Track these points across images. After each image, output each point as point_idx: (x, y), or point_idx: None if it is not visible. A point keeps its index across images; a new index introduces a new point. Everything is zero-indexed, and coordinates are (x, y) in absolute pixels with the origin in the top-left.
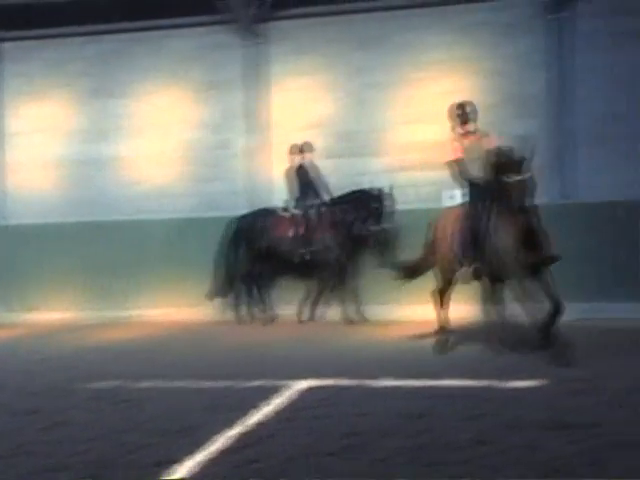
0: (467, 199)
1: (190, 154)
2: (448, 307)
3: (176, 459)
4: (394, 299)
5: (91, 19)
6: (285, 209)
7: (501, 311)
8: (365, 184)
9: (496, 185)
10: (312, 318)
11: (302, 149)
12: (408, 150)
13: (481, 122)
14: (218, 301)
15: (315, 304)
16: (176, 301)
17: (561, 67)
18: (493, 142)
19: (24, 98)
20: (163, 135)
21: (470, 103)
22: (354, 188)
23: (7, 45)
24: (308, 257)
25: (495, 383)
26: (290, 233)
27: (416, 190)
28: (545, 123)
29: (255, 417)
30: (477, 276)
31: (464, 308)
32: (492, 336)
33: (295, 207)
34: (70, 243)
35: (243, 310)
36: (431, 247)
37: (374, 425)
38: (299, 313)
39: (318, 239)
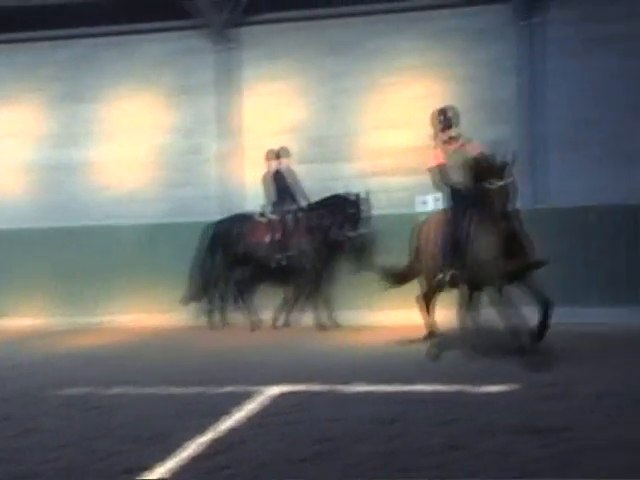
0: (446, 205)
1: (161, 159)
2: (434, 312)
3: (147, 466)
4: (366, 304)
5: (62, 23)
6: (262, 214)
7: (476, 317)
8: (338, 189)
9: (478, 191)
10: (287, 324)
11: (279, 154)
12: (380, 155)
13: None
14: (191, 306)
15: (290, 310)
16: (147, 307)
17: (533, 73)
18: (476, 148)
19: None
20: (134, 140)
21: (451, 108)
22: (327, 193)
23: None
24: (284, 262)
25: (468, 388)
26: (267, 238)
27: (388, 195)
28: (517, 128)
29: (227, 423)
30: (454, 283)
31: (438, 313)
32: (465, 342)
33: (272, 212)
34: (40, 249)
35: (216, 316)
36: (416, 254)
37: (346, 430)
38: (274, 319)
39: (294, 244)
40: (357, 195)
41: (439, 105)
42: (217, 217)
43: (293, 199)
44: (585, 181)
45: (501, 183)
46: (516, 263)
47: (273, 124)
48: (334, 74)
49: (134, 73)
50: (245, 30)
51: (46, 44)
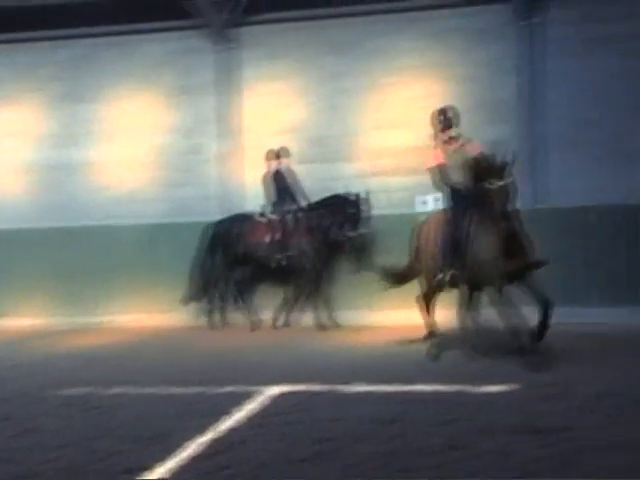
0: (446, 205)
1: (161, 159)
2: (434, 312)
3: (147, 466)
4: (366, 304)
5: (62, 23)
6: (262, 214)
7: (476, 317)
8: (338, 189)
9: (479, 191)
10: (287, 324)
11: (279, 154)
12: (380, 155)
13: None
14: (191, 306)
15: (290, 310)
16: (147, 307)
17: (532, 73)
18: (476, 148)
19: None
20: (134, 140)
21: (451, 108)
22: (327, 193)
23: None
24: (284, 262)
25: (467, 388)
26: (267, 238)
27: (388, 195)
28: (517, 128)
29: (227, 423)
30: (454, 283)
31: (438, 313)
32: (465, 342)
33: (272, 212)
34: (40, 249)
35: (216, 316)
36: (416, 254)
37: (346, 431)
38: (274, 319)
39: (294, 244)
40: (357, 195)
41: (439, 105)
42: (217, 217)
43: (293, 199)
44: (585, 181)
45: (501, 183)
46: (516, 263)
47: (273, 124)
48: (334, 74)
49: (134, 73)
50: (245, 30)
51: (46, 44)
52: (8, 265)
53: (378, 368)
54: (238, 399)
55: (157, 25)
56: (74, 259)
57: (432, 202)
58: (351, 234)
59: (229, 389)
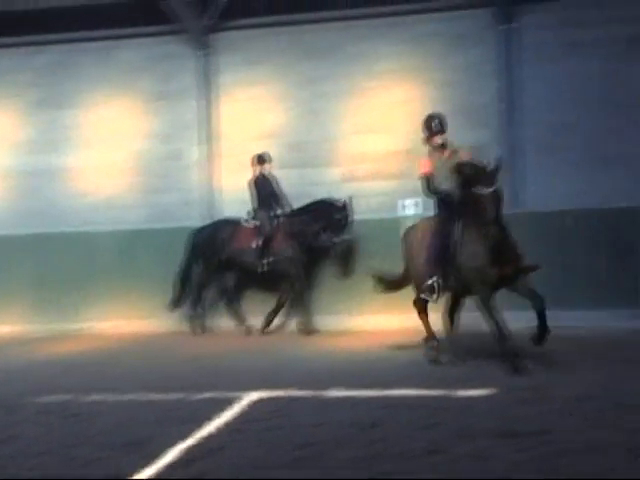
0: (434, 211)
1: (140, 165)
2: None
3: (126, 473)
4: (346, 309)
5: (40, 29)
6: (246, 220)
7: (458, 322)
8: (317, 194)
9: (468, 197)
10: (269, 329)
11: (264, 159)
12: (360, 160)
13: None
14: (171, 312)
15: (273, 315)
16: (127, 313)
17: (511, 77)
18: (466, 155)
19: None
20: (113, 146)
21: (438, 116)
22: (306, 198)
23: None
24: (266, 268)
25: (448, 392)
26: (252, 244)
27: (367, 200)
28: (496, 133)
29: (206, 429)
30: (443, 290)
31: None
32: (448, 346)
33: (255, 217)
34: (19, 255)
35: (197, 321)
36: (406, 260)
37: (327, 436)
38: (263, 324)
39: (280, 249)
40: (342, 201)
41: (418, 110)
42: (197, 223)
43: (279, 204)
44: (562, 185)
45: (492, 189)
46: (508, 268)
47: (252, 129)
48: (312, 79)
49: (112, 79)
50: (223, 35)
51: (23, 50)
52: None
53: (358, 373)
54: (218, 405)
55: (135, 30)
56: (52, 266)
57: (412, 207)
58: (335, 239)
59: (209, 395)
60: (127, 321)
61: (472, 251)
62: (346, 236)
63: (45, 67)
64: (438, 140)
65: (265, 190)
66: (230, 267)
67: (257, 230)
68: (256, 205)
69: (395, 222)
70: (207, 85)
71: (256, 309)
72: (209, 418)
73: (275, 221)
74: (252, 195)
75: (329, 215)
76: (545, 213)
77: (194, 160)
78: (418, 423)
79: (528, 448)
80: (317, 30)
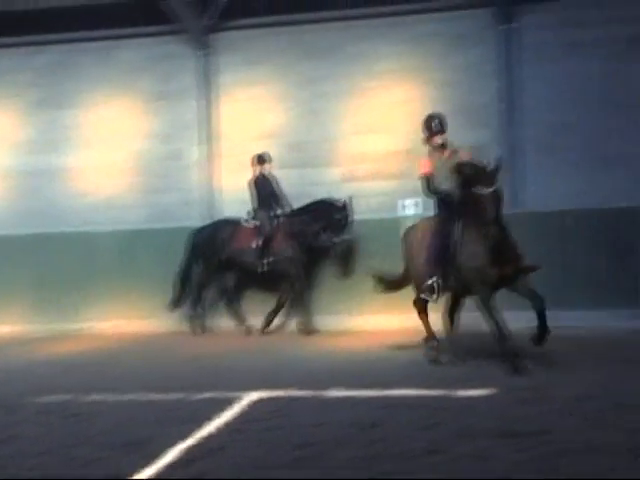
0: (435, 212)
1: (140, 165)
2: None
3: (126, 473)
4: (346, 309)
5: (40, 29)
6: (246, 220)
7: (458, 321)
8: (317, 194)
9: (468, 197)
10: (269, 328)
11: (264, 159)
12: (360, 160)
13: None
14: (172, 312)
15: (274, 315)
16: (127, 313)
17: (511, 77)
18: (466, 155)
19: None
20: (113, 146)
21: (438, 116)
22: (306, 199)
23: None
24: (266, 268)
25: (448, 392)
26: (253, 244)
27: (367, 200)
28: (496, 133)
29: (206, 429)
30: (443, 289)
31: (417, 317)
32: (449, 346)
33: (255, 217)
34: (19, 255)
35: (197, 321)
36: (406, 260)
37: (326, 436)
38: (264, 324)
39: (280, 249)
40: (342, 201)
41: (418, 110)
42: (197, 223)
43: (279, 204)
44: (562, 185)
45: (492, 189)
46: (509, 268)
47: (252, 129)
48: (312, 79)
49: (112, 79)
50: (223, 35)
51: (23, 50)
52: None
53: (358, 373)
54: (218, 405)
55: (135, 31)
56: (52, 266)
57: (412, 206)
58: (335, 239)
59: (209, 395)
60: (127, 321)
61: (472, 251)
62: (346, 236)
63: (45, 67)
64: (438, 140)
65: (265, 190)
66: (230, 267)
67: (257, 230)
68: (256, 205)
69: (395, 222)
70: (207, 85)
71: (256, 309)
72: (209, 418)
73: (275, 221)
74: (252, 195)
75: (329, 215)
76: (545, 213)
77: (194, 160)
78: (418, 423)
79: (528, 448)
80: (317, 30)
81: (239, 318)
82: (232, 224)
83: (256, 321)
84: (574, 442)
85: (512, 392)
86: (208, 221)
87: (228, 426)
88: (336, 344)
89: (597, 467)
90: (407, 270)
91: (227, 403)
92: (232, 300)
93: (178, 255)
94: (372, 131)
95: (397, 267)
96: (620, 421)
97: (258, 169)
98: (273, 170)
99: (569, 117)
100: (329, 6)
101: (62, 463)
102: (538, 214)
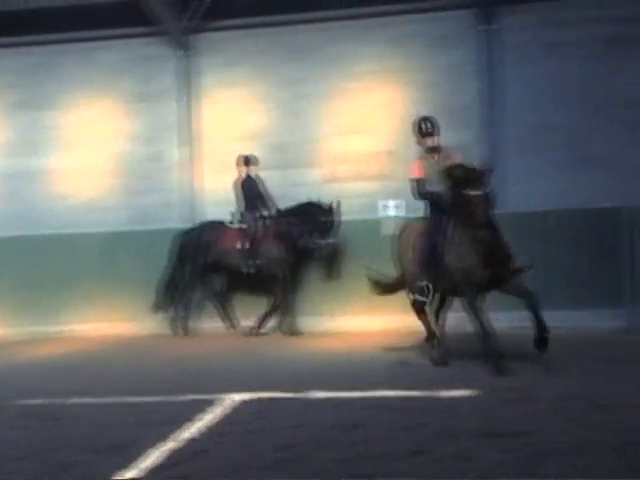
0: (425, 214)
1: (121, 167)
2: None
3: (107, 476)
4: (328, 310)
5: (20, 30)
6: (231, 221)
7: (444, 322)
8: (299, 195)
9: (460, 199)
10: (258, 330)
11: (248, 161)
12: (341, 161)
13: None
14: (154, 315)
15: (265, 317)
16: (108, 315)
17: (493, 78)
18: (458, 157)
19: None
20: (94, 148)
21: (428, 118)
22: (288, 200)
23: None
24: (252, 270)
25: (430, 393)
26: (238, 245)
27: (349, 201)
28: (477, 133)
29: (188, 432)
30: (434, 290)
31: (399, 318)
32: (431, 346)
33: (241, 219)
34: None
35: (180, 323)
36: (399, 262)
37: (308, 437)
38: (256, 325)
39: (264, 251)
40: (329, 203)
41: (400, 111)
42: (179, 225)
43: (265, 206)
44: (544, 186)
45: (482, 191)
46: (499, 270)
47: (233, 131)
48: (294, 80)
49: (93, 80)
50: (204, 36)
51: (2, 51)
52: None
53: (341, 374)
54: (199, 407)
55: (116, 32)
56: (33, 268)
57: (394, 208)
58: (321, 242)
59: (191, 397)
60: (109, 323)
61: (460, 252)
62: (331, 239)
63: (25, 68)
64: (428, 142)
65: (251, 191)
66: (216, 269)
67: (243, 232)
68: (242, 207)
69: (376, 223)
70: (188, 86)
71: (244, 311)
72: (191, 420)
73: (261, 223)
74: (237, 196)
75: (315, 217)
76: (527, 213)
77: (175, 161)
78: (401, 424)
79: (512, 448)
80: (298, 31)
81: (229, 320)
82: (217, 226)
83: (245, 323)
84: (559, 442)
85: (496, 393)
86: (189, 223)
87: (210, 428)
88: (319, 345)
89: (582, 467)
90: (402, 272)
91: (209, 405)
92: (221, 302)
93: (160, 257)
94: (353, 132)
95: (378, 267)
96: (604, 421)
97: (244, 170)
98: (256, 171)
99: (550, 117)
100: (310, 8)
101: (42, 467)
102: (520, 214)
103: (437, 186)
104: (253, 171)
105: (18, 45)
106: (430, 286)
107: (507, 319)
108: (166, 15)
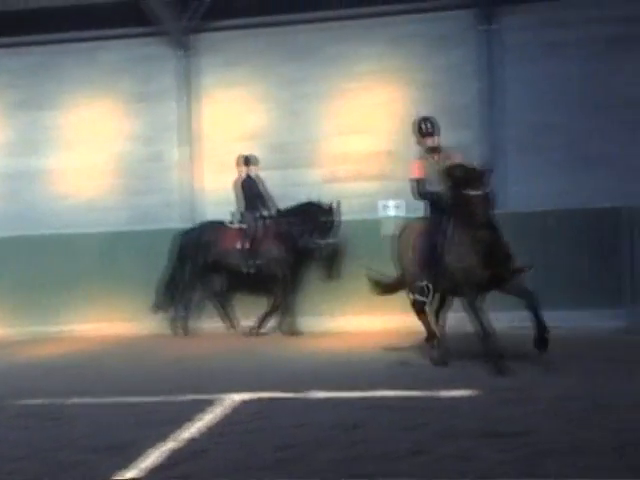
0: (425, 214)
1: (121, 167)
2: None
3: (107, 476)
4: (328, 310)
5: (20, 30)
6: (231, 221)
7: (444, 322)
8: (299, 195)
9: (460, 199)
10: (259, 330)
11: (248, 161)
12: (341, 161)
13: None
14: (154, 315)
15: (266, 316)
16: (108, 315)
17: (493, 78)
18: (456, 159)
19: None
20: (94, 148)
21: (429, 118)
22: (288, 200)
23: None
24: (253, 270)
25: (430, 393)
26: (238, 245)
27: (349, 201)
28: (477, 133)
29: (188, 432)
30: (434, 290)
31: (399, 318)
32: (431, 346)
33: (241, 219)
34: None
35: (180, 323)
36: (399, 262)
37: (308, 437)
38: (257, 325)
39: (265, 251)
40: (329, 203)
41: (400, 111)
42: (179, 225)
43: (265, 206)
44: (544, 186)
45: (482, 191)
46: (499, 269)
47: (233, 131)
48: (294, 80)
49: (93, 80)
50: (204, 36)
51: (2, 51)
52: None
53: (341, 374)
54: (199, 407)
55: (116, 32)
56: (33, 268)
57: (393, 208)
58: (321, 242)
59: (191, 397)
60: (109, 323)
61: (460, 251)
62: (331, 239)
63: (25, 68)
64: (428, 142)
65: (252, 191)
66: (217, 269)
67: (243, 232)
68: (242, 206)
69: (376, 223)
70: (188, 86)
71: (244, 311)
72: (191, 420)
73: (261, 223)
74: (237, 196)
75: (316, 217)
76: (527, 213)
77: (175, 161)
78: (400, 424)
79: (512, 448)
80: (298, 31)
81: (229, 320)
82: (217, 226)
83: (245, 323)
84: (559, 442)
85: (496, 393)
86: (189, 223)
87: (210, 428)
88: (319, 345)
89: (582, 467)
90: (402, 272)
91: (209, 405)
92: (221, 302)
93: (159, 257)
94: (353, 132)
95: (378, 267)
96: (605, 421)
97: (244, 170)
98: (256, 171)
99: (550, 117)
100: (310, 8)
101: (42, 467)
102: (520, 214)
103: (437, 186)
104: (253, 171)
105: (18, 45)
106: (430, 286)
107: (507, 319)
108: (166, 15)
